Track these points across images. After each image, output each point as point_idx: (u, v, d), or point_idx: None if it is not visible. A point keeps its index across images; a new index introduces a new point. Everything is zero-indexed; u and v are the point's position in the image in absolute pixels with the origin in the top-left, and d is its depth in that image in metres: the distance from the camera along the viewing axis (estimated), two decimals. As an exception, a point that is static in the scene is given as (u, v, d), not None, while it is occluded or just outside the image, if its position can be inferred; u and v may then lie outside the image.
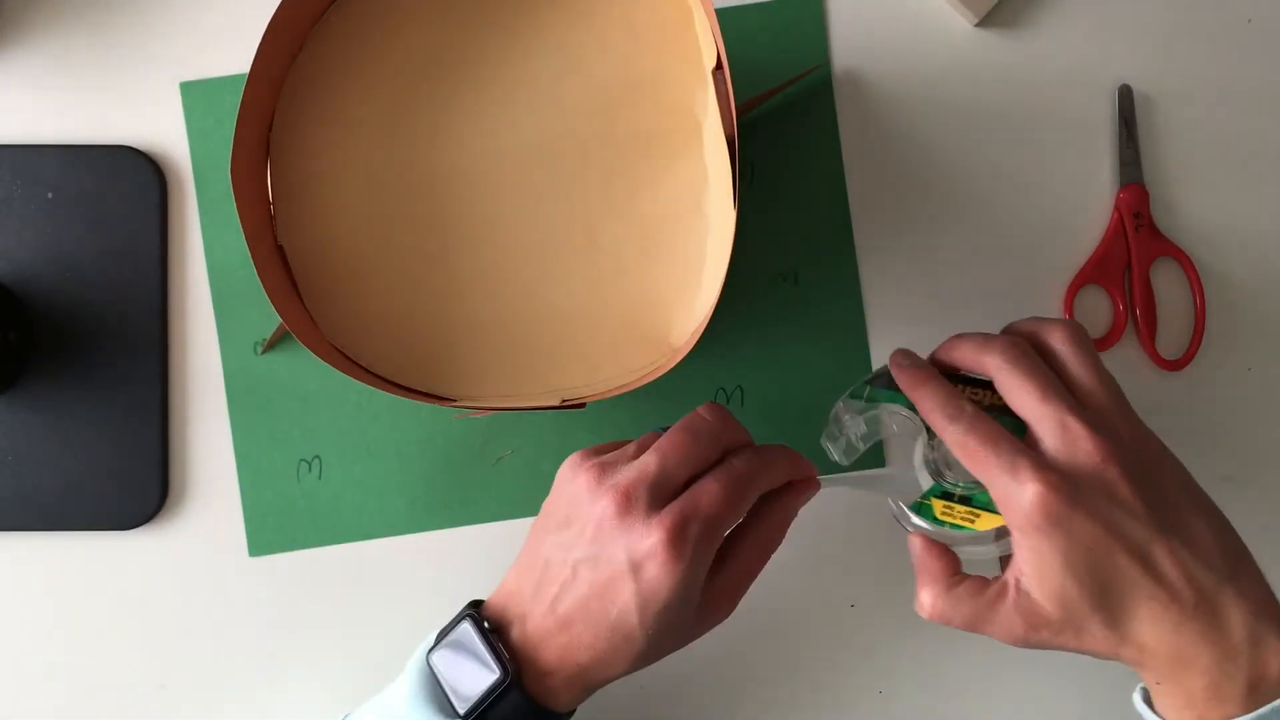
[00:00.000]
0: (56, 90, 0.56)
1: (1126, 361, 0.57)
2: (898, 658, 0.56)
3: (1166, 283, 0.57)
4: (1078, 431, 0.40)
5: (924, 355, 0.47)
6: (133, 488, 0.55)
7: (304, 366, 0.55)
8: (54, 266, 0.55)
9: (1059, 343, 0.43)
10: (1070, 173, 0.57)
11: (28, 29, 0.56)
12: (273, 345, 0.55)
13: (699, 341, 0.44)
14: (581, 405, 0.44)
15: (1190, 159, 0.57)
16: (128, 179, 0.55)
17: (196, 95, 0.56)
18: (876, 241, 0.57)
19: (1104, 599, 0.39)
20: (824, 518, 0.56)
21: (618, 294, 0.46)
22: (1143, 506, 0.39)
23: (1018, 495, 0.39)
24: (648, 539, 0.41)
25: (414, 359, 0.46)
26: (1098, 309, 0.57)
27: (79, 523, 0.55)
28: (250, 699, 0.56)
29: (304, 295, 0.46)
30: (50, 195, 0.55)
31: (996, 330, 0.46)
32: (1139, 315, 0.57)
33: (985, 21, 0.57)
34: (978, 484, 0.45)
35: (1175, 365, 0.57)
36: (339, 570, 0.56)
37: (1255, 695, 0.39)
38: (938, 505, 0.45)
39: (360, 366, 0.46)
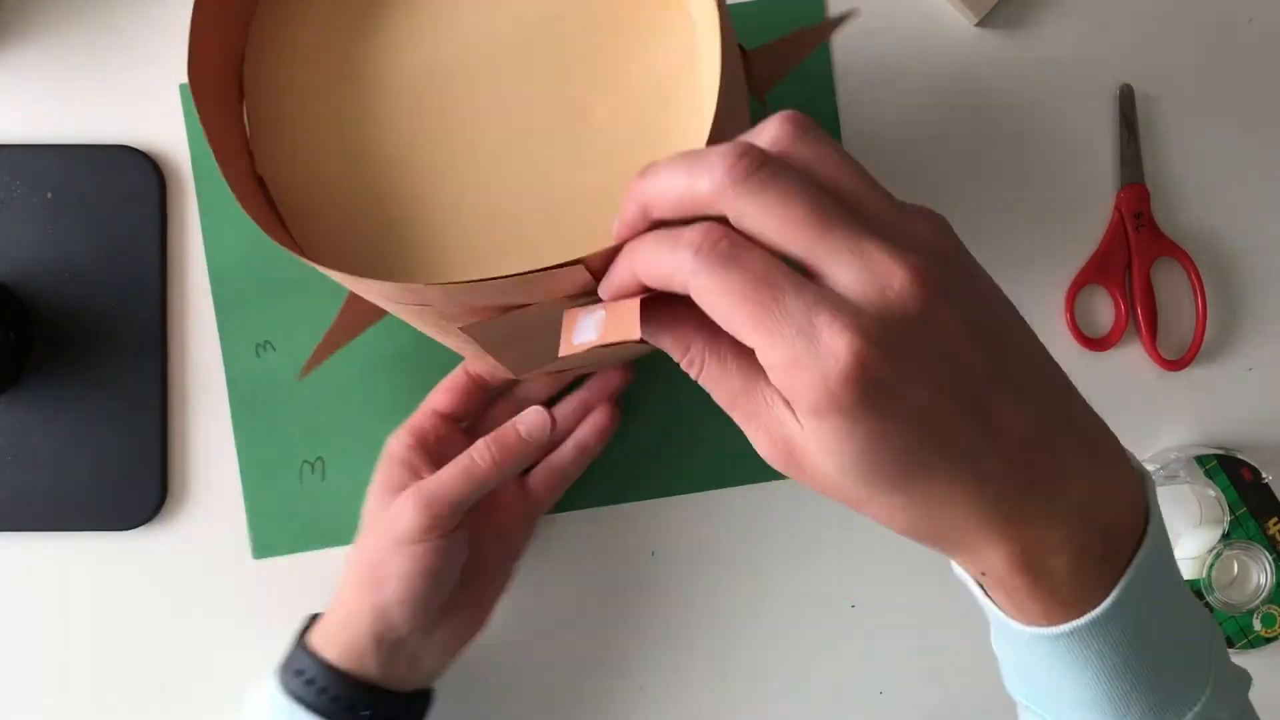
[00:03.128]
0: (56, 90, 0.56)
1: (1127, 361, 0.57)
2: (898, 658, 0.56)
3: (1167, 283, 0.57)
4: (877, 255, 0.27)
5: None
6: (133, 488, 0.55)
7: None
8: (54, 266, 0.55)
9: (785, 146, 0.29)
10: (1071, 172, 0.57)
11: (28, 29, 0.56)
12: (312, 368, 0.50)
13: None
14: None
15: (1191, 159, 0.57)
16: (128, 179, 0.55)
17: (196, 95, 0.56)
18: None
19: (916, 481, 0.29)
20: (824, 518, 0.56)
21: (622, 169, 0.43)
22: (971, 345, 0.28)
23: (813, 364, 0.27)
24: None
25: (415, 268, 0.43)
26: (1098, 309, 0.57)
27: (79, 523, 0.55)
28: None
29: (289, 224, 0.43)
30: (50, 195, 0.55)
31: None
32: (1140, 315, 0.57)
33: (985, 21, 0.57)
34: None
35: (1176, 365, 0.56)
36: (338, 569, 0.56)
37: (1109, 560, 0.31)
38: None
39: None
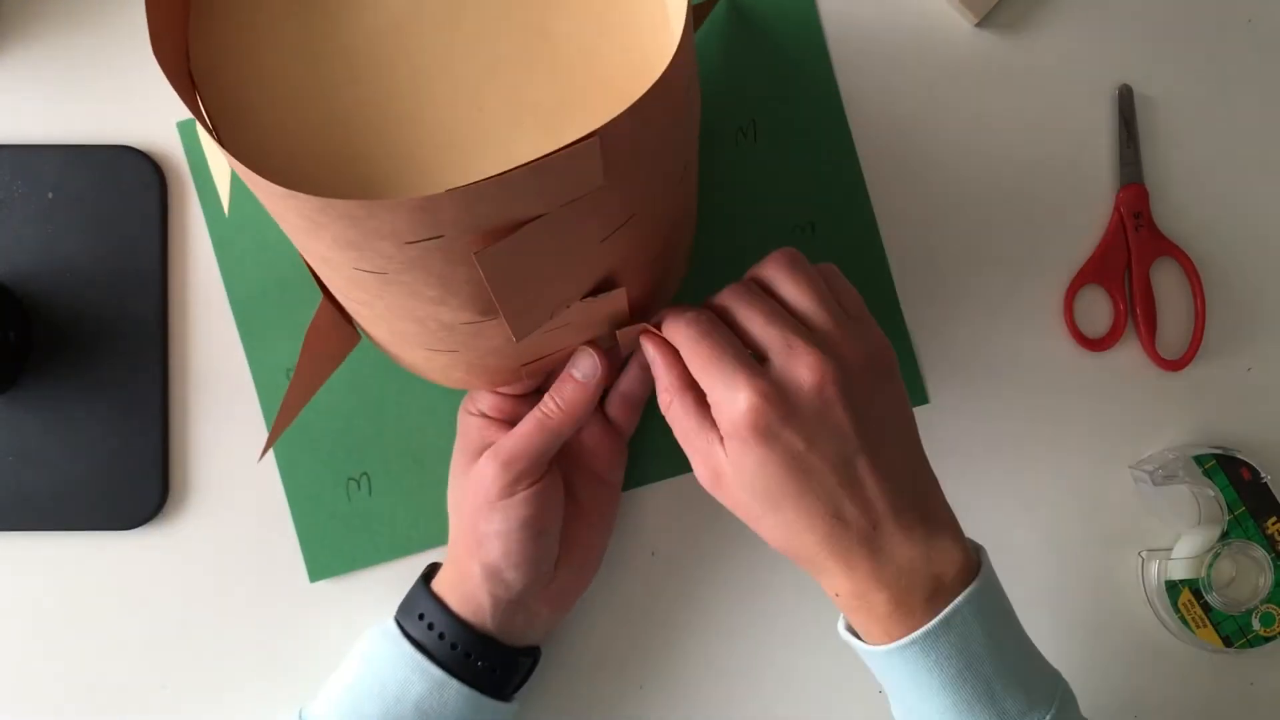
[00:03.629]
0: (56, 90, 0.56)
1: (1126, 361, 0.57)
2: (898, 658, 0.56)
3: (1166, 283, 0.57)
4: (803, 352, 0.41)
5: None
6: (133, 488, 0.55)
7: (339, 384, 0.55)
8: (54, 266, 0.55)
9: (772, 273, 0.44)
10: (1070, 172, 0.57)
11: (28, 29, 0.56)
12: (274, 440, 0.49)
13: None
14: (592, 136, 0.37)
15: (1190, 159, 0.57)
16: (128, 179, 0.55)
17: (196, 95, 0.56)
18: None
19: (787, 504, 0.41)
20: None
21: (590, 72, 0.43)
22: (851, 427, 0.41)
23: (729, 402, 0.41)
24: None
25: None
26: (1098, 309, 0.57)
27: (79, 523, 0.55)
28: (250, 698, 0.56)
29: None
30: (50, 195, 0.55)
31: None
32: (1139, 315, 0.57)
33: (985, 22, 0.57)
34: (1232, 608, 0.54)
35: (1175, 365, 0.57)
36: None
37: (935, 600, 0.41)
38: (1185, 594, 0.54)
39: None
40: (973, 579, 0.42)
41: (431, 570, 0.52)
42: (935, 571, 0.41)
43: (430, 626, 0.49)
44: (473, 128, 0.42)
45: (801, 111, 0.56)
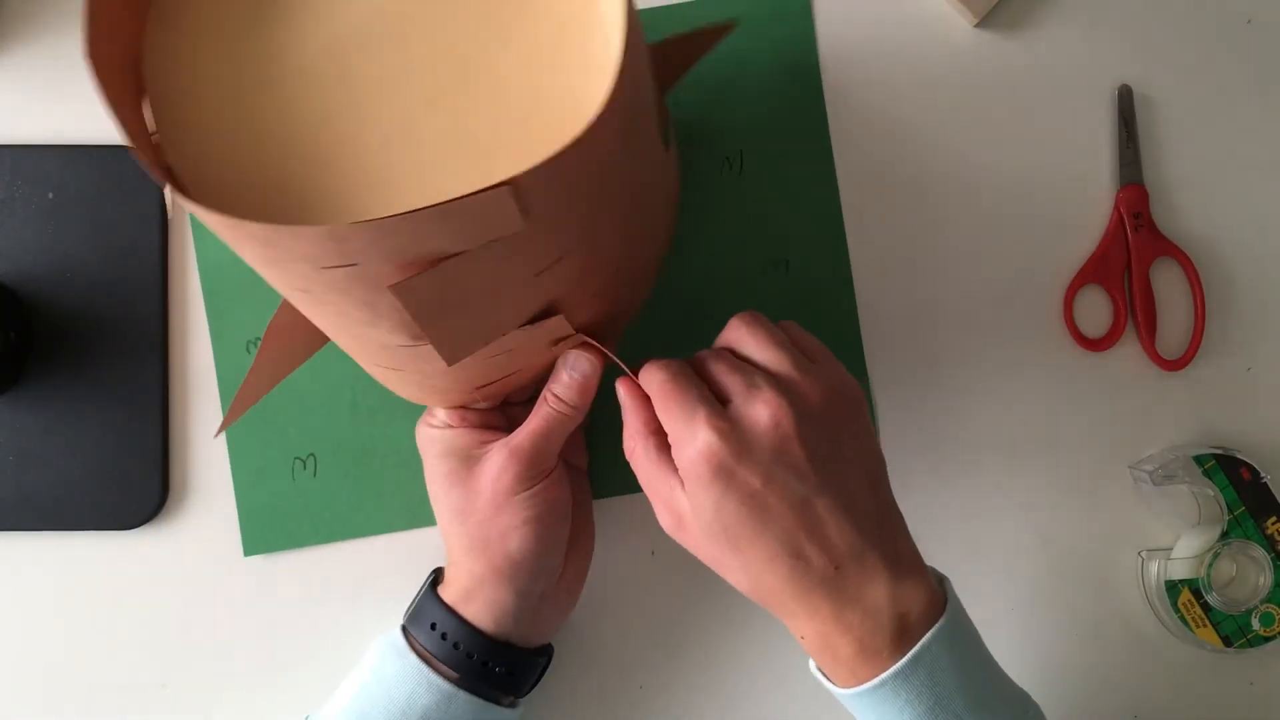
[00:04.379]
0: (56, 90, 0.56)
1: (1126, 361, 0.57)
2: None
3: (1166, 283, 0.57)
4: (761, 391, 0.42)
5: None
6: (133, 488, 0.55)
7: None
8: (54, 266, 0.55)
9: (735, 336, 0.45)
10: (1070, 173, 0.57)
11: (28, 29, 0.56)
12: (230, 422, 0.50)
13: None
14: (514, 181, 0.37)
15: (1190, 159, 0.57)
16: (128, 179, 0.55)
17: (196, 95, 0.56)
18: (871, 241, 0.57)
19: (745, 544, 0.41)
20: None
21: (533, 110, 0.42)
22: (809, 466, 0.41)
23: (689, 440, 0.41)
24: None
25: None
26: (1097, 309, 0.57)
27: (79, 523, 0.55)
28: (250, 698, 0.56)
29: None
30: (51, 195, 0.55)
31: None
32: (1139, 315, 0.57)
33: (985, 22, 0.57)
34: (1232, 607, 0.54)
35: (1175, 365, 0.57)
36: (339, 569, 0.56)
37: (901, 641, 0.41)
38: (1185, 594, 0.54)
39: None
40: (939, 614, 0.42)
41: (436, 578, 0.52)
42: (900, 611, 0.41)
43: (444, 637, 0.49)
44: (408, 157, 0.42)
45: (789, 141, 0.56)
